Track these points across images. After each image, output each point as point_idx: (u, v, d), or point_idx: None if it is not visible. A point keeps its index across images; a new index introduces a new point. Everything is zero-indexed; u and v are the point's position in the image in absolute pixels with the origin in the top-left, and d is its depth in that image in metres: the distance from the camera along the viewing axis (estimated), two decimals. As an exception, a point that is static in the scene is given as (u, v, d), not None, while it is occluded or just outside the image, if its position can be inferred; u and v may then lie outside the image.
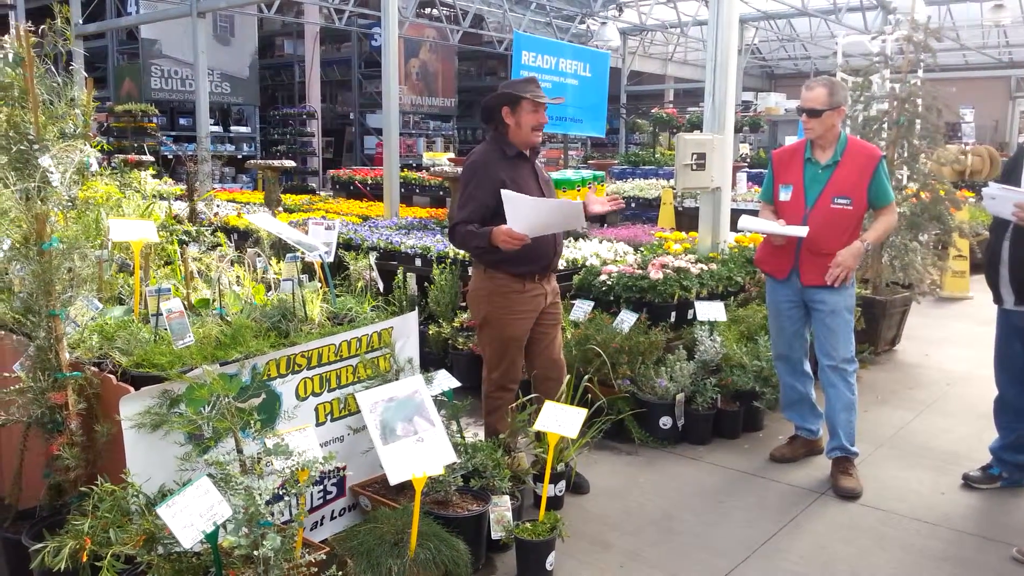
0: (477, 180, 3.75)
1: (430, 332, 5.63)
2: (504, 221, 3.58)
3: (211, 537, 2.43)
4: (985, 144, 14.94)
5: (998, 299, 3.86)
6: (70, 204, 3.81)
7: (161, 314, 3.04)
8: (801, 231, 3.98)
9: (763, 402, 4.78)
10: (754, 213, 4.68)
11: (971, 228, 7.13)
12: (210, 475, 2.53)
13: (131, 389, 2.73)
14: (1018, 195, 3.51)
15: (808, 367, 4.40)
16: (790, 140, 10.95)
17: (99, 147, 4.81)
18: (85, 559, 2.43)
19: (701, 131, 5.86)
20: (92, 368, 2.88)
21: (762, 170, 12.96)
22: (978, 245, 6.07)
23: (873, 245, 3.88)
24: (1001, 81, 24.03)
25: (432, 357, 5.48)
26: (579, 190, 7.66)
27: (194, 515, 2.40)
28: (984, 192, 3.65)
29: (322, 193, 14.44)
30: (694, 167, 5.49)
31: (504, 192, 3.51)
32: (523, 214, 3.51)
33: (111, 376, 2.84)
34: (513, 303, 3.83)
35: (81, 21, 14.52)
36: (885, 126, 6.45)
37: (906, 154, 6.43)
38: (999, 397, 4.08)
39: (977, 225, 7.58)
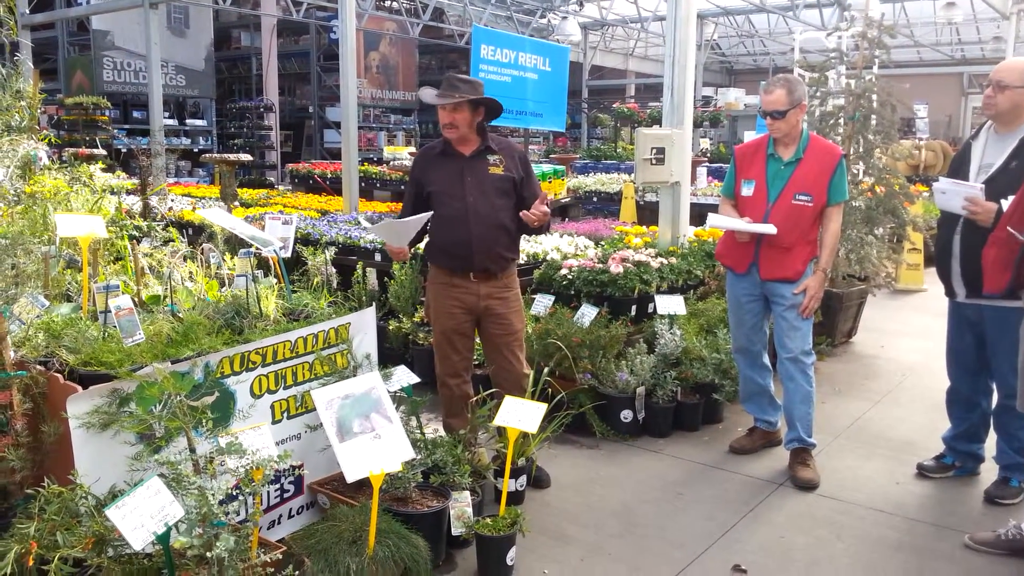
0: (409, 180, 4.01)
1: (390, 328, 5.58)
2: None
3: (163, 538, 2.37)
4: (938, 139, 15.24)
5: (950, 292, 3.91)
6: (15, 199, 3.71)
7: (110, 311, 2.96)
8: (769, 229, 4.02)
9: (722, 394, 4.81)
10: (714, 207, 4.70)
11: (925, 222, 7.27)
12: (161, 475, 2.47)
13: (79, 388, 2.65)
14: (968, 189, 3.56)
15: (767, 359, 4.43)
16: (749, 135, 11.07)
17: (47, 140, 4.69)
18: (31, 563, 2.35)
19: (661, 125, 5.87)
20: (38, 367, 2.80)
21: (722, 165, 13.05)
22: (932, 239, 6.16)
23: (830, 266, 4.15)
24: (954, 77, 24.52)
25: (393, 353, 5.44)
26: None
27: (145, 516, 2.33)
28: (934, 187, 3.70)
29: (280, 187, 14.23)
30: (653, 161, 5.49)
31: (369, 227, 3.89)
32: (383, 234, 3.95)
33: (58, 375, 2.76)
34: (440, 295, 3.91)
35: (28, 11, 14.14)
36: (841, 121, 6.53)
37: (861, 149, 6.51)
38: (951, 388, 4.15)
39: (931, 219, 7.70)
